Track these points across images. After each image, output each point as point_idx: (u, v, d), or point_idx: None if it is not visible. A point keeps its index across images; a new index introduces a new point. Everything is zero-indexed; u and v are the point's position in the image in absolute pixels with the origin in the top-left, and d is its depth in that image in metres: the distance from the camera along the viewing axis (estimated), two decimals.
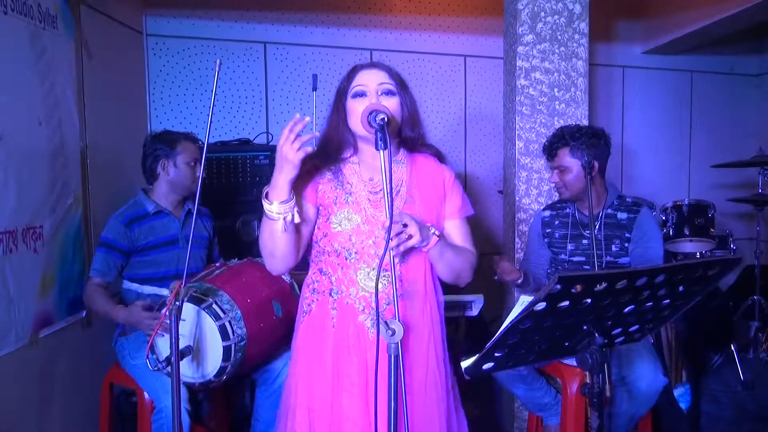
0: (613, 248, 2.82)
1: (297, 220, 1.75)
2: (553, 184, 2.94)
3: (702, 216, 4.22)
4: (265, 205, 1.72)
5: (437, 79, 4.76)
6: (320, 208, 1.91)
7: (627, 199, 2.91)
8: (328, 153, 1.92)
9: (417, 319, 1.87)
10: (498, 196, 4.19)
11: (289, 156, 1.62)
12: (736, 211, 5.25)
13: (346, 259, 1.86)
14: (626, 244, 2.80)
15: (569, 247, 2.91)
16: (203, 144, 2.92)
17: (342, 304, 1.87)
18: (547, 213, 3.04)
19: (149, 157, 2.87)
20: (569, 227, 2.93)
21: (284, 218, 1.72)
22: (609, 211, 2.86)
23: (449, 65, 4.79)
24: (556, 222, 2.99)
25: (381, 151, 1.61)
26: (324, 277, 1.91)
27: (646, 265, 2.70)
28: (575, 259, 2.91)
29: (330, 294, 1.89)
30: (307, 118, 1.63)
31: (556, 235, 2.97)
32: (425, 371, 1.87)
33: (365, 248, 1.84)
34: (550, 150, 2.89)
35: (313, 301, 1.93)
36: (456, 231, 1.99)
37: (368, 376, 1.81)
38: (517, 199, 3.52)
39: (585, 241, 2.88)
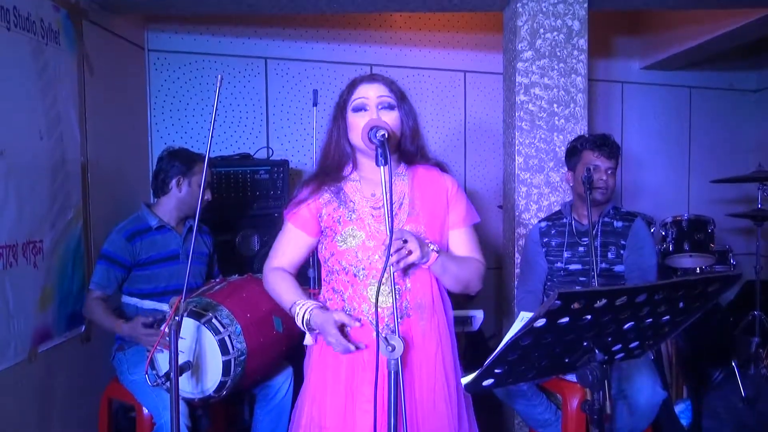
0: (609, 255, 2.89)
1: (310, 342, 1.90)
2: (602, 182, 2.86)
3: (702, 231, 4.21)
4: (298, 316, 1.86)
5: (437, 94, 4.78)
6: (326, 229, 1.92)
7: (622, 210, 3.01)
8: (328, 170, 1.93)
9: (426, 333, 1.87)
10: (498, 210, 4.19)
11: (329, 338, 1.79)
12: (736, 226, 5.25)
13: (356, 276, 1.86)
14: (621, 252, 2.87)
15: (565, 255, 2.96)
16: (203, 159, 2.96)
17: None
18: (544, 224, 3.09)
19: (164, 172, 2.88)
20: (566, 236, 2.98)
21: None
22: (606, 219, 2.94)
23: (449, 80, 4.81)
24: (553, 231, 3.03)
25: (381, 167, 1.62)
26: (336, 296, 1.91)
27: (639, 273, 2.80)
28: (571, 267, 2.95)
29: (343, 312, 1.88)
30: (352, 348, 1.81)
31: (553, 243, 3.01)
32: (434, 384, 1.86)
33: (372, 263, 1.84)
34: (613, 149, 2.90)
35: None
36: (461, 240, 1.99)
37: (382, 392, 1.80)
38: (517, 214, 3.53)
39: (581, 249, 2.92)
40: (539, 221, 3.15)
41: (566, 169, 3.06)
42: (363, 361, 1.84)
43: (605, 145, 2.89)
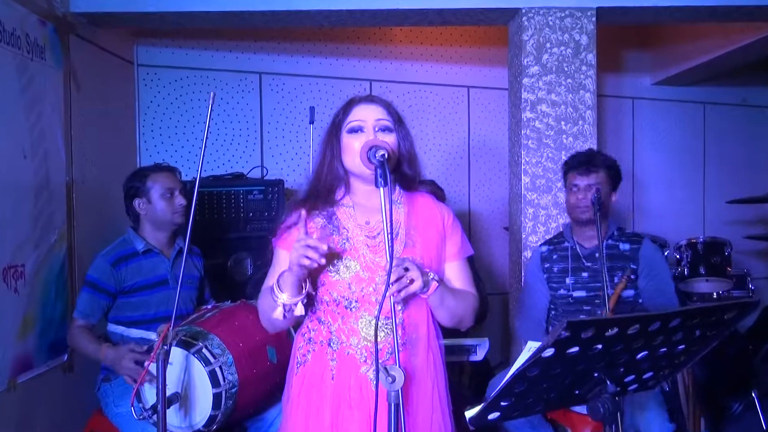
0: (615, 280, 2.81)
1: (300, 312, 1.76)
2: (580, 201, 2.80)
3: (718, 254, 4.13)
4: (276, 291, 1.73)
5: (439, 111, 4.74)
6: None
7: (626, 231, 2.97)
8: (320, 193, 1.87)
9: (420, 366, 1.81)
10: (503, 233, 4.11)
11: (293, 268, 1.67)
12: (754, 248, 5.18)
13: (347, 308, 1.79)
14: (632, 276, 2.79)
15: (569, 281, 2.89)
16: (179, 172, 2.94)
17: (342, 354, 1.79)
18: (545, 248, 3.03)
19: (127, 198, 2.84)
20: (569, 261, 2.90)
21: (288, 308, 1.73)
22: (610, 242, 2.88)
23: (452, 96, 4.78)
24: (554, 256, 2.96)
25: (381, 189, 1.59)
26: (323, 327, 1.83)
27: (663, 300, 2.77)
28: (576, 294, 2.87)
29: (329, 344, 1.81)
30: (324, 247, 1.65)
31: (555, 269, 2.94)
32: (430, 418, 1.80)
33: (366, 296, 1.77)
34: (591, 165, 2.82)
35: (308, 351, 1.85)
36: (456, 273, 1.93)
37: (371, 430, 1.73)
38: (524, 236, 3.49)
39: (585, 274, 2.86)
40: (540, 245, 3.08)
41: None
42: (349, 399, 1.76)
43: (582, 162, 2.85)
